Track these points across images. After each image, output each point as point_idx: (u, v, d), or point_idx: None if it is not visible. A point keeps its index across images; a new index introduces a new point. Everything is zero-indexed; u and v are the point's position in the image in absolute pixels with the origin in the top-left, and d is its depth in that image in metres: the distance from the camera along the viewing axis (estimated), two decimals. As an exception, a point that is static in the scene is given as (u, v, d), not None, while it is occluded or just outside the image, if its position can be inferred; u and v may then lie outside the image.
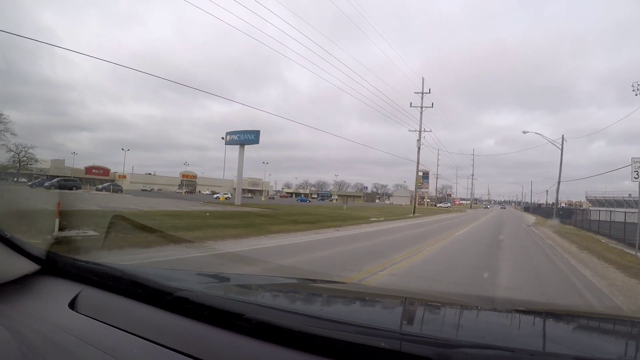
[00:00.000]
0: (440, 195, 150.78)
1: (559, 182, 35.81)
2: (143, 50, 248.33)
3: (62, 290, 1.52)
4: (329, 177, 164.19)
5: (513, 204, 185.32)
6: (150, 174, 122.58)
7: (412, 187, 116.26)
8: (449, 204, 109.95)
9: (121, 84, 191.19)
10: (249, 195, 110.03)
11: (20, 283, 1.52)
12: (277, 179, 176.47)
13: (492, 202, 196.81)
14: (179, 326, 1.23)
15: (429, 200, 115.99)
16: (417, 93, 44.04)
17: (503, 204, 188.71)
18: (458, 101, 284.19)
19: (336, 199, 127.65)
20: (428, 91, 43.80)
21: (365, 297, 2.07)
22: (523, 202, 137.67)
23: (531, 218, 44.84)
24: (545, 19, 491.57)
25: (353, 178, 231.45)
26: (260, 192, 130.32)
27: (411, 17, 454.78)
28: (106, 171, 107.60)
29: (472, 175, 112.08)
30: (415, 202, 43.32)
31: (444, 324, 1.45)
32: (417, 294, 2.80)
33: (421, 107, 43.60)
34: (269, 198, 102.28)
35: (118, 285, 1.49)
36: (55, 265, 1.66)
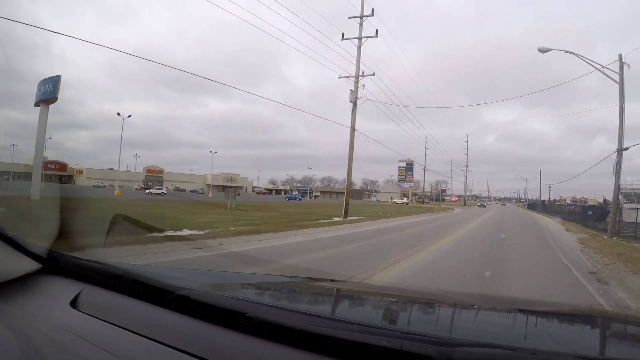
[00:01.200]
0: (435, 191, 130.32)
1: (619, 151, 15.72)
2: (140, 47, 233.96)
3: (63, 289, 1.50)
4: (322, 174, 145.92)
5: (514, 200, 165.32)
6: (112, 169, 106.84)
7: (406, 183, 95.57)
8: (405, 200, 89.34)
9: (119, 83, 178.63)
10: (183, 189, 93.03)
11: (22, 282, 1.49)
12: (276, 176, 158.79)
13: (492, 198, 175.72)
14: (180, 325, 1.22)
15: (414, 196, 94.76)
16: (353, 17, 23.89)
17: (503, 200, 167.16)
18: (459, 98, 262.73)
19: (317, 195, 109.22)
20: (371, 12, 23.71)
21: (366, 295, 2.03)
22: (525, 199, 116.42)
23: (553, 224, 25.03)
24: (547, 14, 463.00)
25: (342, 174, 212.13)
26: (236, 187, 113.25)
27: (412, 13, 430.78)
28: (63, 166, 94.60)
29: (467, 166, 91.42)
30: (347, 198, 23.40)
31: (445, 323, 1.43)
32: (419, 292, 2.68)
33: (359, 39, 23.79)
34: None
35: (119, 284, 1.47)
36: (57, 264, 1.62)
